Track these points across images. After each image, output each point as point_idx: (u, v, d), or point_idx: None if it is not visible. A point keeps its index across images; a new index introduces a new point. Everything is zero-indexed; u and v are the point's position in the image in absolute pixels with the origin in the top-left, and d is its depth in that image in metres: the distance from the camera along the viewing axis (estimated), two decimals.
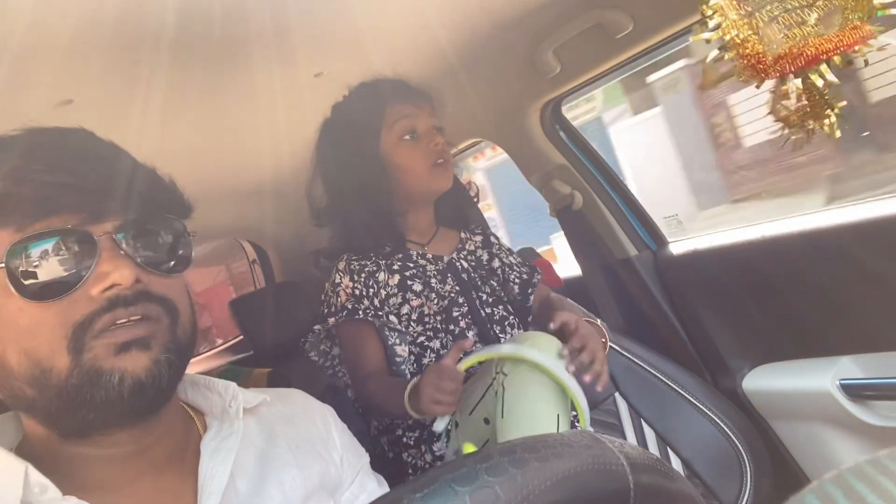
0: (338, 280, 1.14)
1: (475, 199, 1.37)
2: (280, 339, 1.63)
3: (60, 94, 0.90)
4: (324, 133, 1.21)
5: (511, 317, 1.19)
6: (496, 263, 1.23)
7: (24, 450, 0.59)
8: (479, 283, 1.20)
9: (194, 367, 2.31)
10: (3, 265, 0.54)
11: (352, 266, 1.15)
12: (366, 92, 1.18)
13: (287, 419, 0.73)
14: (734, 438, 1.30)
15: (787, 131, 0.68)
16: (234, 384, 0.69)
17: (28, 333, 0.54)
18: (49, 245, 0.55)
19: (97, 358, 0.54)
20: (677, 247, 1.50)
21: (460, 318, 1.14)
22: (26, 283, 0.54)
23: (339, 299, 1.13)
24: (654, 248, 1.54)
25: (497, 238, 1.30)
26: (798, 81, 0.56)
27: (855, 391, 1.18)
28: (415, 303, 1.13)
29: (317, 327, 1.16)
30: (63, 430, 0.57)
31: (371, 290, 1.12)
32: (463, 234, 1.26)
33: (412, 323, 1.13)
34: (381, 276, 1.14)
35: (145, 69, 0.90)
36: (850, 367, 1.22)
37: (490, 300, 1.18)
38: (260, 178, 1.59)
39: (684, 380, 1.38)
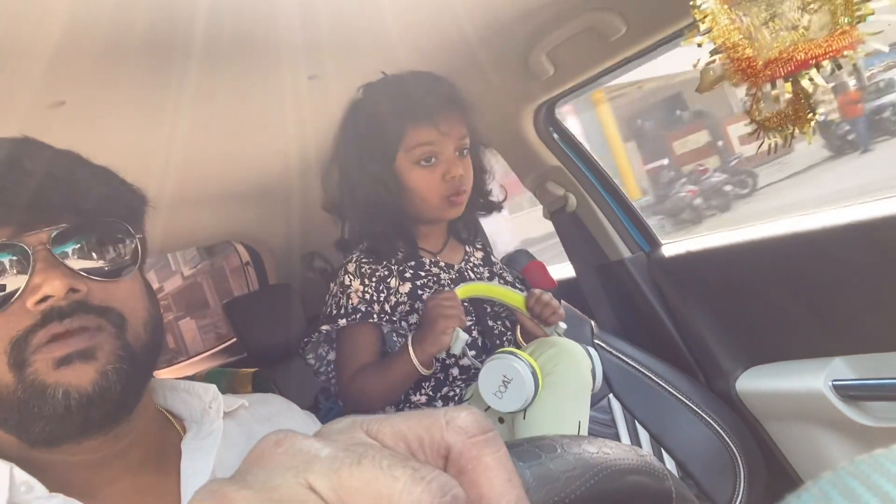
0: (347, 282, 1.11)
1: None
2: (273, 341, 1.62)
3: (52, 95, 0.89)
4: (349, 117, 1.17)
5: (508, 332, 1.19)
6: (496, 283, 1.23)
7: None
8: None
9: (193, 368, 2.29)
10: None
11: (362, 269, 1.11)
12: (394, 93, 1.11)
13: (266, 419, 0.73)
14: (727, 439, 1.30)
15: (763, 134, 0.68)
16: (214, 387, 0.68)
17: None
18: None
19: (39, 372, 0.53)
20: (670, 248, 1.50)
21: (472, 326, 1.13)
22: None
23: (349, 301, 1.09)
24: (648, 250, 1.54)
25: (495, 256, 1.31)
26: (788, 86, 0.56)
27: (847, 392, 1.19)
28: None
29: (325, 328, 1.11)
30: (30, 440, 0.56)
31: (381, 295, 1.10)
32: (468, 248, 1.26)
33: None
34: (393, 282, 1.11)
35: (133, 72, 0.89)
36: (843, 368, 1.22)
37: (491, 313, 1.18)
38: (253, 180, 1.58)
39: (678, 381, 1.38)
